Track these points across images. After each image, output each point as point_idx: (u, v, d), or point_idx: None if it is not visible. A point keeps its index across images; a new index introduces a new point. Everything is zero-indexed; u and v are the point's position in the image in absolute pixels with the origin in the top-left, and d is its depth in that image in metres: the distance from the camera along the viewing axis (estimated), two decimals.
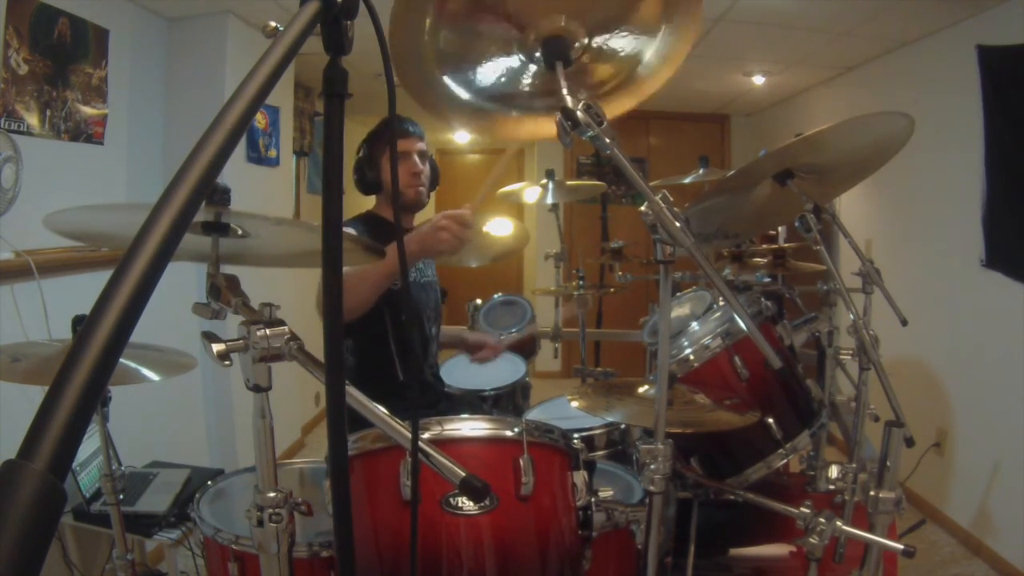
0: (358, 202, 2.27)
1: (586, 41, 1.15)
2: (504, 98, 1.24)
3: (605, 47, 1.17)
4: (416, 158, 2.11)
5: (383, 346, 2.09)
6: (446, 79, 1.18)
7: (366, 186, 2.15)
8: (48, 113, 2.51)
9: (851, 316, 1.49)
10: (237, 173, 3.50)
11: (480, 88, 1.21)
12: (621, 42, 1.17)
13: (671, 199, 1.02)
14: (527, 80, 1.20)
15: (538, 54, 1.13)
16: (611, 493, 1.35)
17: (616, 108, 1.24)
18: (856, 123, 1.49)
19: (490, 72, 1.19)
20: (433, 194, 2.27)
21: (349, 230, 1.95)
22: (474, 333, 2.43)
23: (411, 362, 2.12)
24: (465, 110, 1.25)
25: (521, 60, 1.16)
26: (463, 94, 1.22)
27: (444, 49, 1.13)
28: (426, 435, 1.25)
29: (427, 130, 2.21)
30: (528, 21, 1.11)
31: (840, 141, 1.58)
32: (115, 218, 1.28)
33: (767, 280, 2.98)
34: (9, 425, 1.85)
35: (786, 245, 3.01)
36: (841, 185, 1.84)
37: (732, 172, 1.63)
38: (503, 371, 2.64)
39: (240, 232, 1.19)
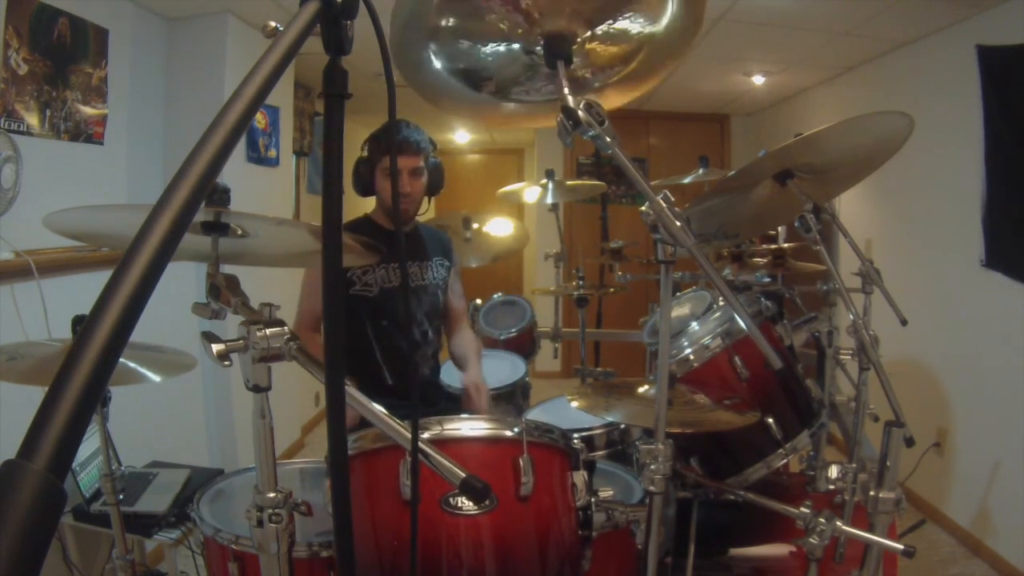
0: (358, 202, 2.27)
1: (588, 34, 1.14)
2: (502, 86, 1.24)
3: (612, 31, 1.16)
4: (406, 176, 2.08)
5: (368, 352, 2.10)
6: (440, 60, 1.17)
7: (362, 189, 2.15)
8: (48, 113, 2.51)
9: (851, 316, 1.49)
10: (237, 173, 3.50)
11: (477, 72, 1.20)
12: (628, 24, 1.16)
13: (672, 199, 1.02)
14: (527, 70, 1.20)
15: (539, 48, 1.13)
16: (611, 493, 1.35)
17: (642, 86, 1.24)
18: (856, 123, 1.49)
19: (490, 57, 1.18)
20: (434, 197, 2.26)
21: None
22: (469, 377, 2.15)
23: (409, 366, 2.12)
24: (461, 98, 1.25)
25: (523, 51, 1.16)
26: (458, 78, 1.21)
27: (444, 26, 1.12)
28: (426, 435, 1.25)
29: (429, 130, 2.20)
30: (531, 18, 1.11)
31: (840, 141, 1.58)
32: (115, 218, 1.28)
33: (767, 280, 2.98)
34: (9, 425, 1.85)
35: (786, 245, 3.01)
36: (841, 185, 1.84)
37: (732, 172, 1.63)
38: (503, 371, 2.64)
39: (240, 232, 1.19)
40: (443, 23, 1.11)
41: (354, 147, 2.16)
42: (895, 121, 1.50)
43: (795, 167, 1.60)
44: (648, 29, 1.16)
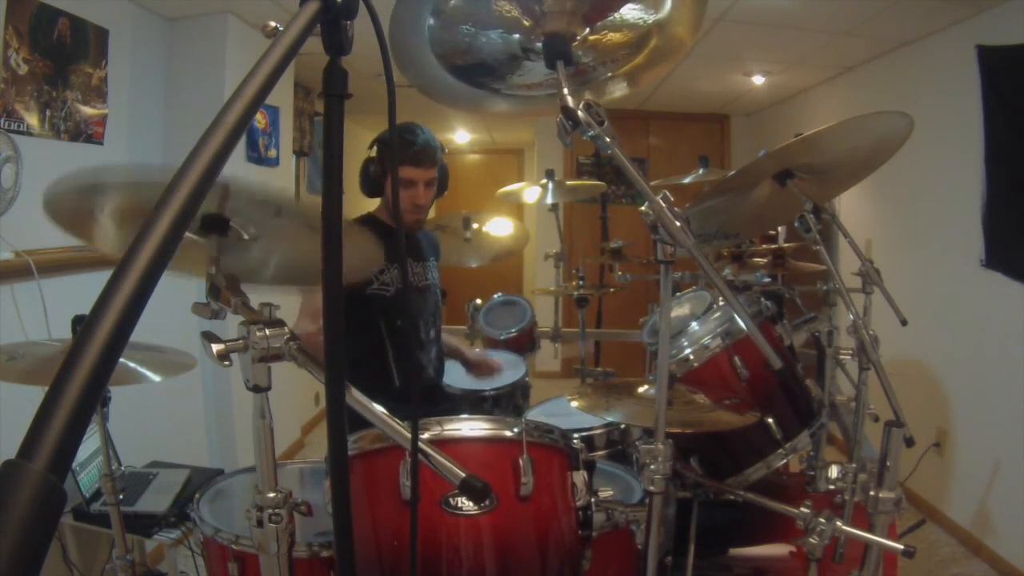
0: (357, 202, 2.27)
1: (587, 30, 1.14)
2: (500, 78, 1.23)
3: (613, 22, 1.16)
4: (422, 187, 2.07)
5: (380, 353, 2.09)
6: (443, 58, 1.16)
7: (370, 190, 2.15)
8: (48, 113, 2.51)
9: (851, 316, 1.49)
10: (237, 173, 3.48)
11: (477, 68, 1.20)
12: (629, 13, 1.15)
13: (672, 199, 1.02)
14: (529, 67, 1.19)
15: (539, 45, 1.13)
16: (611, 493, 1.35)
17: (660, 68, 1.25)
18: (856, 123, 1.49)
19: (490, 51, 1.17)
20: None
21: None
22: (473, 351, 2.46)
23: (411, 366, 2.12)
24: (461, 94, 1.25)
25: (523, 48, 1.16)
26: (458, 75, 1.20)
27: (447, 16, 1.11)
28: (426, 435, 1.25)
29: (431, 129, 2.19)
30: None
31: (840, 141, 1.58)
32: (118, 190, 1.25)
33: (767, 280, 2.98)
34: (9, 425, 1.85)
35: (786, 245, 3.01)
36: (841, 185, 1.84)
37: (732, 172, 1.63)
38: (503, 371, 2.64)
39: (242, 235, 1.18)
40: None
41: (354, 147, 2.15)
42: (895, 121, 1.50)
43: (795, 167, 1.60)
44: (653, 17, 1.16)
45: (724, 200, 1.73)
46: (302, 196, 4.85)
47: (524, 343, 3.11)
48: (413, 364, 2.16)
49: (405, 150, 2.03)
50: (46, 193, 1.10)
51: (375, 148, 2.12)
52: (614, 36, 1.18)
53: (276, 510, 1.04)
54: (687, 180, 3.59)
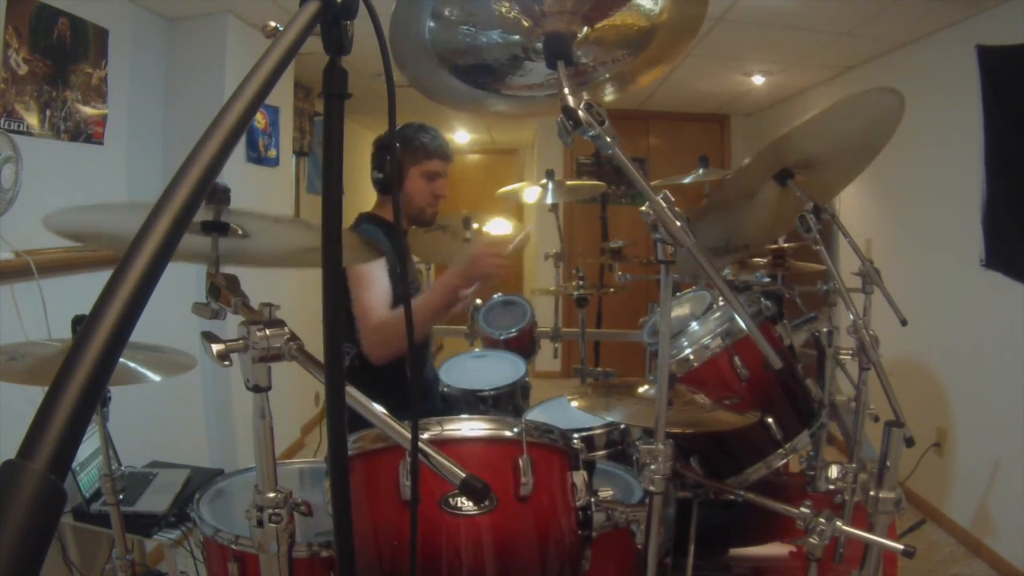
0: (357, 203, 2.27)
1: (586, 29, 1.14)
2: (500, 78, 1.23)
3: (613, 23, 1.16)
4: (444, 181, 2.18)
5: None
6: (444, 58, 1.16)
7: (385, 186, 2.16)
8: (48, 113, 2.51)
9: (851, 316, 1.49)
10: (237, 173, 3.50)
11: (479, 68, 1.20)
12: (628, 15, 1.15)
13: (672, 199, 1.02)
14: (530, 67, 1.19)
15: (539, 45, 1.13)
16: (611, 493, 1.35)
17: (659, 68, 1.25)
18: (845, 105, 1.48)
19: (490, 51, 1.18)
20: None
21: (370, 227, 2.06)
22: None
23: (416, 362, 2.14)
24: (464, 95, 1.25)
25: (523, 49, 1.16)
26: (461, 76, 1.20)
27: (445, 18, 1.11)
28: (426, 435, 1.25)
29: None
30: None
31: (831, 127, 1.57)
32: (114, 218, 1.28)
33: (767, 280, 2.98)
34: (9, 425, 1.85)
35: (786, 245, 3.01)
36: (841, 179, 1.83)
37: (730, 174, 1.63)
38: (503, 371, 2.64)
39: (240, 232, 1.19)
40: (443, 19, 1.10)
41: (354, 147, 2.16)
42: (885, 99, 1.49)
43: (792, 163, 1.60)
44: (653, 17, 1.16)
45: (728, 211, 1.72)
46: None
47: (524, 343, 3.10)
48: (416, 363, 2.17)
49: (435, 144, 2.14)
50: (44, 220, 1.12)
51: (398, 145, 2.14)
52: (614, 36, 1.18)
53: (276, 510, 1.04)
54: (687, 180, 3.59)
